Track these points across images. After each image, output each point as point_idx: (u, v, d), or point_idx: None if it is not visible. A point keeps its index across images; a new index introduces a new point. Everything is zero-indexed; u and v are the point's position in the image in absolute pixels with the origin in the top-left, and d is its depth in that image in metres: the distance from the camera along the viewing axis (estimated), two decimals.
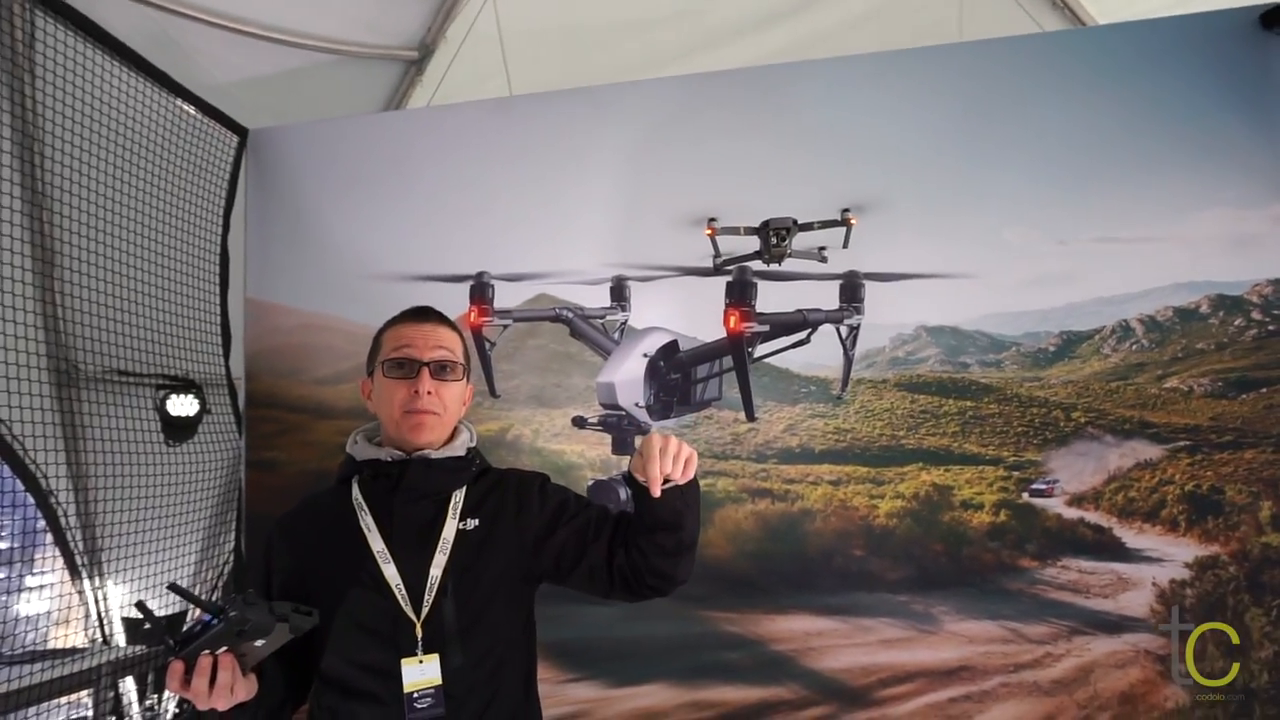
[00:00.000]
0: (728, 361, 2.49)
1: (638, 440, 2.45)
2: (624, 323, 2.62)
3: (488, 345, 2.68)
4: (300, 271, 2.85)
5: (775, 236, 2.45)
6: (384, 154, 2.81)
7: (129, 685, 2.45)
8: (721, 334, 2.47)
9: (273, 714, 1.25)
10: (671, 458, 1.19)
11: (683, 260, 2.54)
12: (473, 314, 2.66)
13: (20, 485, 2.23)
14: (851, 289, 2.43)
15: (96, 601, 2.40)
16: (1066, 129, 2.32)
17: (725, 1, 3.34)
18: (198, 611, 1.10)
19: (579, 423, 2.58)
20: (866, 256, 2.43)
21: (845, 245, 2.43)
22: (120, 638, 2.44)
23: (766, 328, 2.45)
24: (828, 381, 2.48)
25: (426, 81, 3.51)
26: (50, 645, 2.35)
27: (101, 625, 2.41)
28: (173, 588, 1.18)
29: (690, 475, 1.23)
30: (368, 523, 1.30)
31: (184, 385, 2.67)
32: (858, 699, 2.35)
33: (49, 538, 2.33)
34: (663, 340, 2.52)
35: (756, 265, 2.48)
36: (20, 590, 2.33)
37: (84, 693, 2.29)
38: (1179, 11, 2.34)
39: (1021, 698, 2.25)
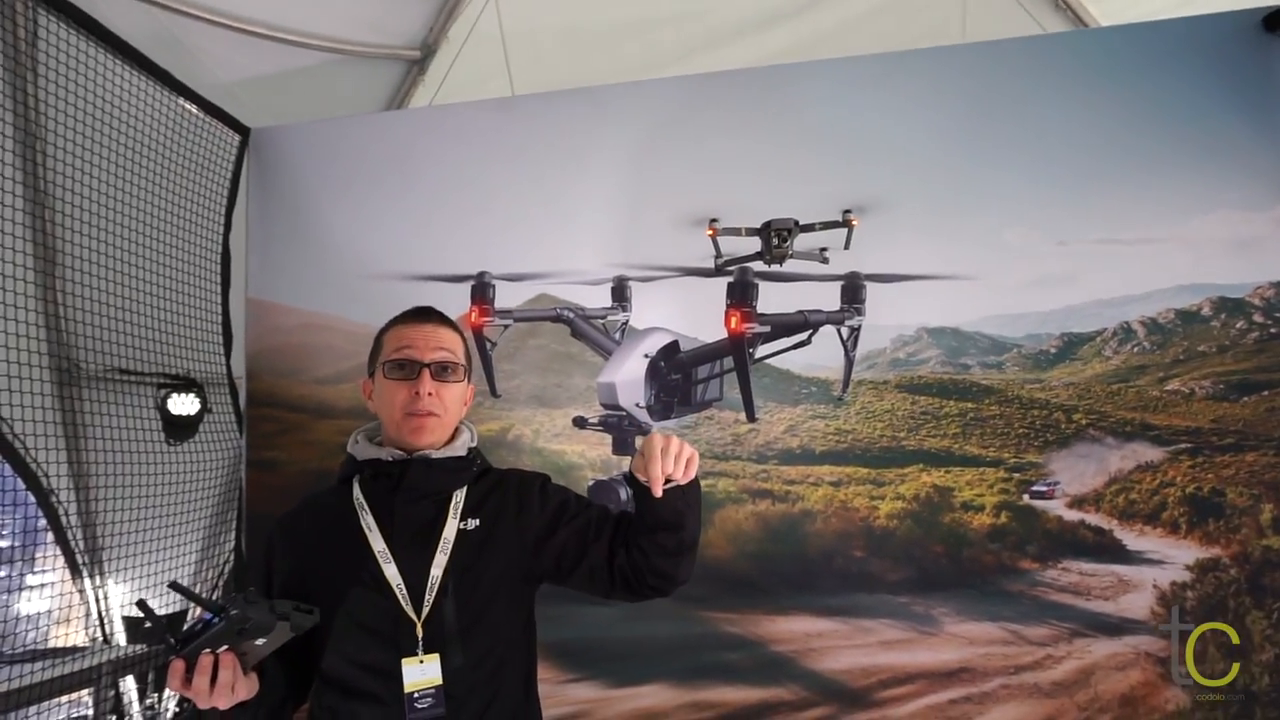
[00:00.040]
0: (729, 362, 2.49)
1: (638, 440, 2.46)
2: (625, 323, 2.62)
3: (489, 345, 2.68)
4: (302, 271, 2.85)
5: (776, 237, 2.45)
6: (386, 154, 2.81)
7: (129, 684, 2.45)
8: (722, 335, 2.47)
9: (274, 713, 1.25)
10: (673, 457, 1.19)
11: (684, 261, 2.54)
12: (474, 314, 2.66)
13: (21, 484, 2.23)
14: (852, 290, 2.43)
15: (97, 600, 2.40)
16: (1068, 130, 2.32)
17: (727, 2, 3.34)
18: (198, 610, 1.10)
19: (580, 423, 2.58)
20: (868, 257, 2.43)
21: (846, 246, 2.43)
22: (121, 637, 2.44)
23: (767, 328, 2.45)
24: (829, 382, 2.48)
25: (428, 81, 3.52)
26: (51, 644, 2.35)
27: (102, 624, 2.41)
28: (174, 586, 1.18)
29: (692, 475, 1.23)
30: (368, 522, 1.30)
31: (185, 384, 2.67)
32: (858, 700, 2.35)
33: (50, 536, 2.33)
34: (664, 341, 2.52)
35: (758, 266, 2.48)
36: (21, 589, 2.33)
37: (84, 692, 2.29)
38: (1181, 13, 2.33)
39: (1022, 699, 2.25)
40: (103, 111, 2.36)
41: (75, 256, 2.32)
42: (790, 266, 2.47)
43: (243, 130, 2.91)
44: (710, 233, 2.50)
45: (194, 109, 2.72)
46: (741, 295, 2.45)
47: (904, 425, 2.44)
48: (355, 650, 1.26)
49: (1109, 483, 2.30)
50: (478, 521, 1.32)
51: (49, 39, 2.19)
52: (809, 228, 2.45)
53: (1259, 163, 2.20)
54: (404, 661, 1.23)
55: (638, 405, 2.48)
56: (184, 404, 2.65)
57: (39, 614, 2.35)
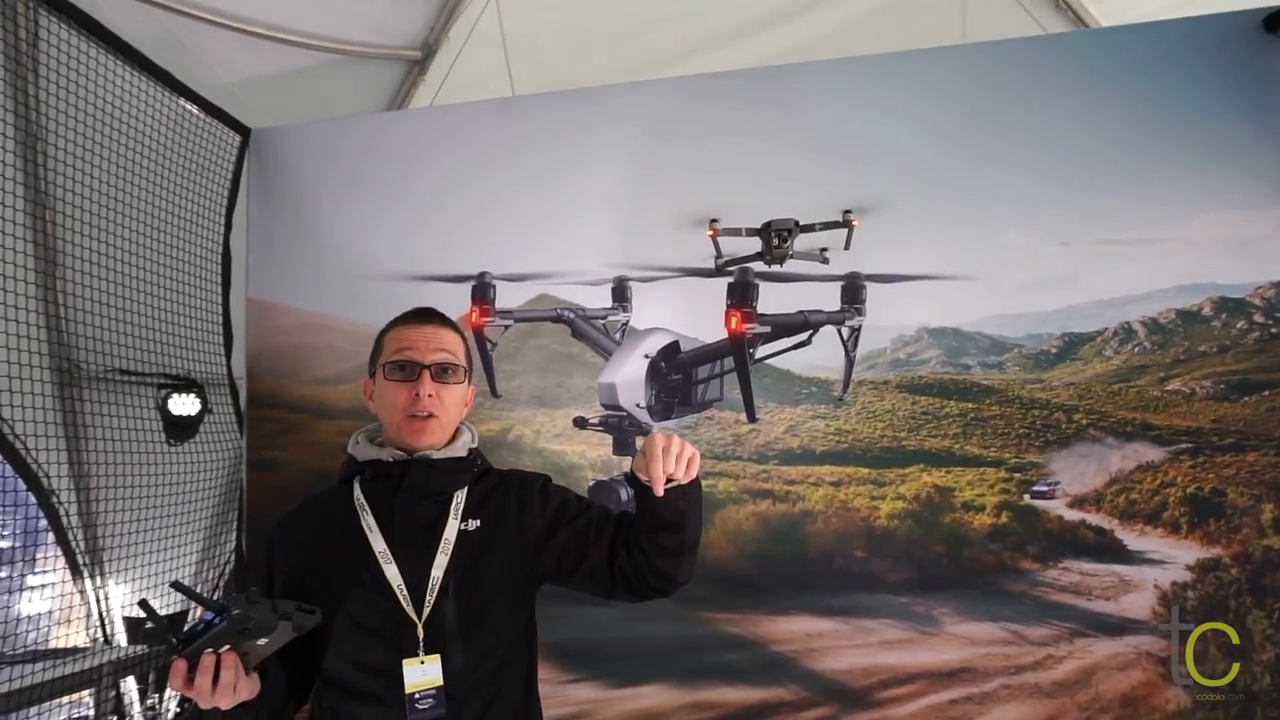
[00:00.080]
0: (729, 362, 2.49)
1: (639, 441, 2.45)
2: (625, 323, 2.62)
3: (489, 345, 2.68)
4: (302, 271, 2.85)
5: (777, 237, 2.45)
6: (386, 154, 2.81)
7: (130, 685, 2.45)
8: (723, 335, 2.47)
9: (275, 714, 1.25)
10: (674, 457, 1.19)
11: (684, 261, 2.54)
12: (474, 314, 2.66)
13: (22, 484, 2.23)
14: (853, 290, 2.43)
15: (98, 601, 2.40)
16: (1069, 130, 2.32)
17: (727, 2, 3.34)
18: (200, 610, 1.10)
19: (580, 423, 2.58)
20: (868, 258, 2.43)
21: (847, 246, 2.43)
22: (122, 637, 2.44)
23: (768, 329, 2.45)
24: (829, 383, 2.48)
25: (429, 82, 3.52)
26: (52, 645, 2.35)
27: (103, 625, 2.41)
28: (176, 585, 1.18)
29: (693, 475, 1.23)
30: (369, 523, 1.30)
31: (185, 385, 2.67)
32: (858, 700, 2.35)
33: (50, 537, 2.32)
34: (664, 341, 2.53)
35: (758, 266, 2.48)
36: (22, 589, 2.33)
37: (85, 692, 2.29)
38: (1182, 14, 2.33)
39: (1023, 699, 2.25)
40: (103, 112, 2.36)
41: (76, 257, 2.31)
42: (790, 267, 2.48)
43: (243, 130, 2.91)
44: (710, 233, 2.50)
45: (194, 109, 2.72)
46: (742, 295, 2.45)
47: (904, 425, 2.44)
48: (356, 651, 1.25)
49: (1110, 483, 2.30)
50: (478, 522, 1.32)
51: (50, 40, 2.20)
52: (809, 228, 2.45)
53: (1260, 163, 2.20)
54: (405, 662, 1.23)
55: (638, 405, 2.48)
56: (184, 404, 2.65)
57: (40, 615, 2.35)
